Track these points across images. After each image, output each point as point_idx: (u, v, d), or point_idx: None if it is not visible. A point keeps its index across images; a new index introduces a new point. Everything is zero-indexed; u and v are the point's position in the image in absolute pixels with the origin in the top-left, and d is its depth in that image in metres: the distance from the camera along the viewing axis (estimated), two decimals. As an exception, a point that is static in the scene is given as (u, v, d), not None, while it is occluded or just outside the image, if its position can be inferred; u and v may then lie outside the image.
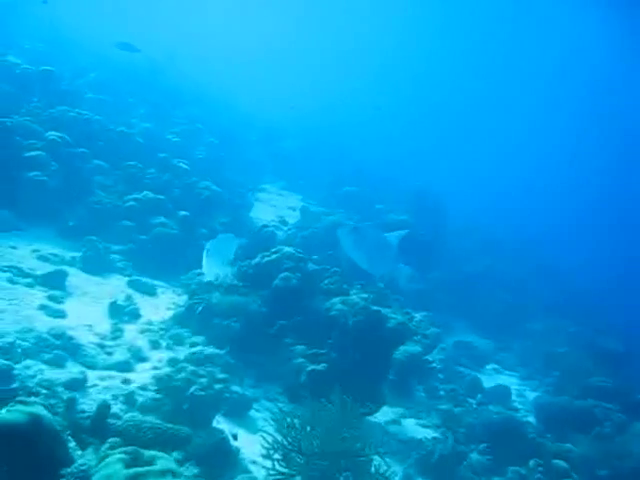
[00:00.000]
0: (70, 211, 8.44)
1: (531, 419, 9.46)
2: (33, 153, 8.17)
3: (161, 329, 6.76)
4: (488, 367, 11.94)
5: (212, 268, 5.34)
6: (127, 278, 7.97)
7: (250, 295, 7.31)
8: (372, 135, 24.88)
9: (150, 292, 7.87)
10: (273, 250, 7.96)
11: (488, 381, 10.71)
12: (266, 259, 7.82)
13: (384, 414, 7.84)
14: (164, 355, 6.22)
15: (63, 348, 5.42)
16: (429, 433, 8.04)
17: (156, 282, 8.23)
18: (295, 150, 20.02)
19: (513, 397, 10.32)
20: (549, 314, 14.46)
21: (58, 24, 20.88)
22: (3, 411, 3.14)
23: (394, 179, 19.94)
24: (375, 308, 7.43)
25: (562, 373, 11.35)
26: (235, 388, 6.12)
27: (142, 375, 5.65)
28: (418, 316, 10.54)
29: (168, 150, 12.31)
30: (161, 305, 7.63)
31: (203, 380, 5.44)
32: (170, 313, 7.31)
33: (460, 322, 13.38)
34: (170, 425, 4.22)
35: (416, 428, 8.06)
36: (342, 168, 18.79)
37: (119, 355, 5.83)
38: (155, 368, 5.87)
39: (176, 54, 23.31)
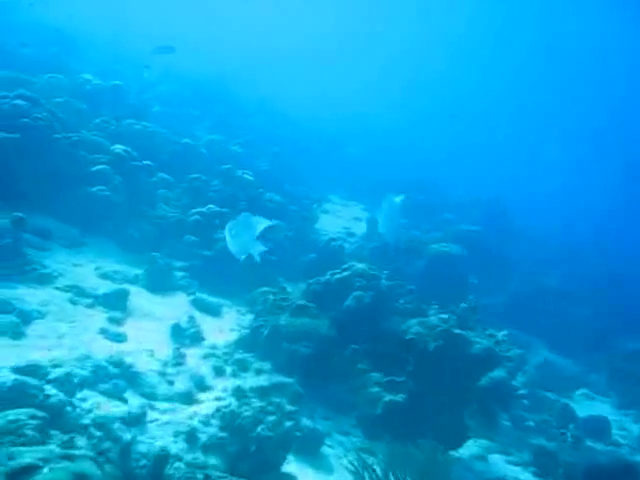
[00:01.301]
0: (134, 226, 8.19)
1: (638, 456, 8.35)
2: (98, 167, 7.98)
3: (225, 354, 6.28)
4: (577, 392, 10.77)
5: (239, 247, 5.20)
6: (190, 296, 7.58)
7: (320, 317, 6.72)
8: (431, 140, 24.04)
9: (214, 312, 7.45)
10: (344, 267, 7.35)
11: (579, 409, 9.57)
12: (336, 276, 7.22)
13: (467, 447, 7.03)
14: (228, 383, 5.71)
15: (122, 377, 5.02)
16: (520, 472, 7.17)
17: (220, 300, 7.81)
18: (359, 158, 19.43)
19: (613, 430, 9.14)
20: (636, 331, 13.00)
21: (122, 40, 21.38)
22: (45, 469, 2.68)
23: (459, 186, 19.03)
24: (457, 331, 6.66)
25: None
26: (305, 422, 5.54)
27: (205, 407, 5.16)
28: (499, 335, 9.63)
29: (232, 161, 12.03)
30: (225, 326, 7.18)
31: (271, 418, 4.89)
32: (234, 335, 6.84)
33: (539, 340, 12.24)
34: (235, 478, 3.66)
35: (505, 466, 7.19)
36: (407, 175, 18.01)
37: (181, 384, 5.37)
38: (219, 399, 5.37)
39: (240, 68, 23.45)
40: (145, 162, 8.81)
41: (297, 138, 18.87)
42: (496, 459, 7.28)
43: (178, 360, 5.76)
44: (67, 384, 4.46)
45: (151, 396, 5.06)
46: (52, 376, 4.47)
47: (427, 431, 6.28)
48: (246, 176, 10.19)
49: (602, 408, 10.31)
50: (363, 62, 35.80)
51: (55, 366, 4.63)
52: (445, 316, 7.26)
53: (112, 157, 8.24)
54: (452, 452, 6.58)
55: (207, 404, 5.21)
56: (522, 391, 8.80)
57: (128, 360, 5.30)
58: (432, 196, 16.52)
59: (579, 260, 15.43)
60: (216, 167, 10.60)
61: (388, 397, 6.17)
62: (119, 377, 4.98)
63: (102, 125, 9.36)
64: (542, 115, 34.85)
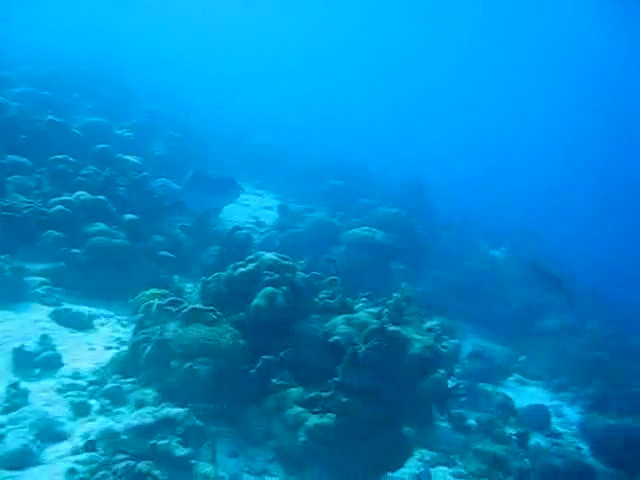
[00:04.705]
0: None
1: (581, 446, 7.66)
2: None
3: (92, 383, 4.65)
4: (510, 379, 10.06)
5: None
6: (51, 308, 5.82)
7: (221, 323, 5.24)
8: (347, 126, 23.20)
9: (83, 326, 5.73)
10: (249, 258, 5.92)
11: (514, 396, 8.81)
12: (240, 270, 5.78)
13: (408, 462, 5.85)
14: (95, 425, 4.13)
15: None
16: (470, 487, 6.13)
17: (94, 310, 6.10)
18: (270, 146, 17.98)
19: (551, 417, 8.44)
20: (562, 310, 12.62)
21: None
22: None
23: (377, 172, 18.23)
24: (393, 329, 5.47)
25: (602, 382, 9.52)
26: (204, 469, 4.08)
27: (52, 471, 3.55)
28: (434, 326, 8.66)
29: (116, 145, 10.20)
30: (98, 343, 5.51)
31: (157, 472, 3.39)
32: (110, 355, 5.20)
33: (466, 325, 11.47)
34: None
35: (452, 481, 6.12)
36: (322, 163, 16.91)
37: (15, 439, 3.71)
38: (77, 452, 3.78)
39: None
40: (-13, 141, 6.88)
41: (202, 124, 17.13)
42: (440, 473, 6.19)
43: (15, 401, 4.07)
44: None
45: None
46: None
47: (363, 455, 5.07)
48: (129, 158, 8.44)
49: (536, 393, 9.67)
50: (265, 41, 34.39)
51: None
52: (376, 310, 6.06)
53: None
54: (393, 474, 5.43)
55: (56, 465, 3.60)
56: (461, 386, 7.83)
57: None
58: (350, 182, 15.44)
59: (501, 242, 15.02)
60: (92, 150, 8.77)
61: (314, 420, 4.84)
62: None
63: None
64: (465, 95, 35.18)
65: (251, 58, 30.85)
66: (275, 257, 5.92)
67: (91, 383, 4.64)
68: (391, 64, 36.99)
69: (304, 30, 38.90)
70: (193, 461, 4.13)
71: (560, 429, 8.24)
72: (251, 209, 13.44)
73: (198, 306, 5.21)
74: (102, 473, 3.27)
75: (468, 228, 15.39)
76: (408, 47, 37.85)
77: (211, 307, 5.31)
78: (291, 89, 26.99)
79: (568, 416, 8.81)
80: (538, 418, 8.18)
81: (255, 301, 5.53)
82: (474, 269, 12.86)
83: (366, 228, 10.73)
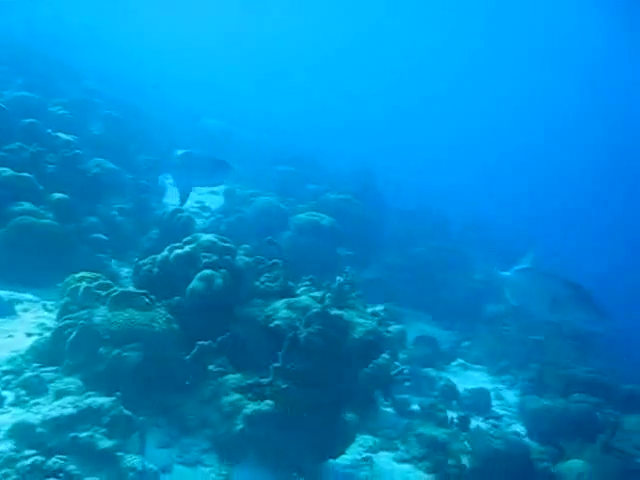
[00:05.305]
0: None
1: (519, 428, 7.85)
2: None
3: (7, 372, 4.27)
4: (454, 363, 10.19)
5: None
6: (-36, 293, 5.36)
7: (154, 307, 4.94)
8: (300, 114, 23.01)
9: (3, 312, 5.30)
10: (186, 240, 5.62)
11: (458, 381, 8.96)
12: (176, 252, 5.48)
13: (350, 449, 5.77)
14: (7, 419, 3.78)
15: None
16: (411, 471, 6.11)
17: (16, 295, 5.66)
18: (218, 130, 17.48)
19: (492, 400, 8.60)
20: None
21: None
22: None
23: (329, 159, 18.13)
24: (335, 312, 5.33)
25: (540, 365, 9.77)
26: (131, 461, 3.81)
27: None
28: (378, 311, 8.61)
29: (49, 123, 9.56)
30: (18, 330, 5.11)
31: (71, 467, 3.11)
32: (30, 342, 4.81)
33: (412, 311, 11.55)
34: None
35: (395, 466, 6.07)
36: (272, 148, 16.65)
37: None
38: (-16, 448, 3.44)
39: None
40: None
41: (144, 104, 16.44)
42: (383, 458, 6.15)
43: None
44: None
45: None
46: None
47: (303, 442, 4.93)
48: (60, 134, 7.90)
49: (478, 377, 9.84)
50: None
51: None
52: (318, 294, 5.90)
53: None
54: (334, 461, 5.34)
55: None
56: (405, 371, 7.82)
57: None
58: (300, 168, 15.26)
59: (452, 232, 15.21)
60: (19, 125, 8.15)
61: (251, 407, 4.64)
62: None
63: None
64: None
65: (208, 42, 30.09)
66: (214, 239, 5.66)
67: (5, 373, 4.26)
68: (382, 61, 36.98)
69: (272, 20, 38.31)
70: (119, 453, 3.86)
71: (500, 411, 8.41)
72: (196, 193, 12.98)
73: (129, 289, 4.89)
74: (4, 472, 2.96)
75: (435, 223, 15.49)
76: (398, 45, 37.88)
77: (144, 291, 5.00)
78: (255, 76, 26.61)
79: (507, 398, 9.00)
80: (479, 401, 8.30)
81: (192, 284, 5.26)
82: (422, 256, 12.93)
83: (313, 213, 10.58)
